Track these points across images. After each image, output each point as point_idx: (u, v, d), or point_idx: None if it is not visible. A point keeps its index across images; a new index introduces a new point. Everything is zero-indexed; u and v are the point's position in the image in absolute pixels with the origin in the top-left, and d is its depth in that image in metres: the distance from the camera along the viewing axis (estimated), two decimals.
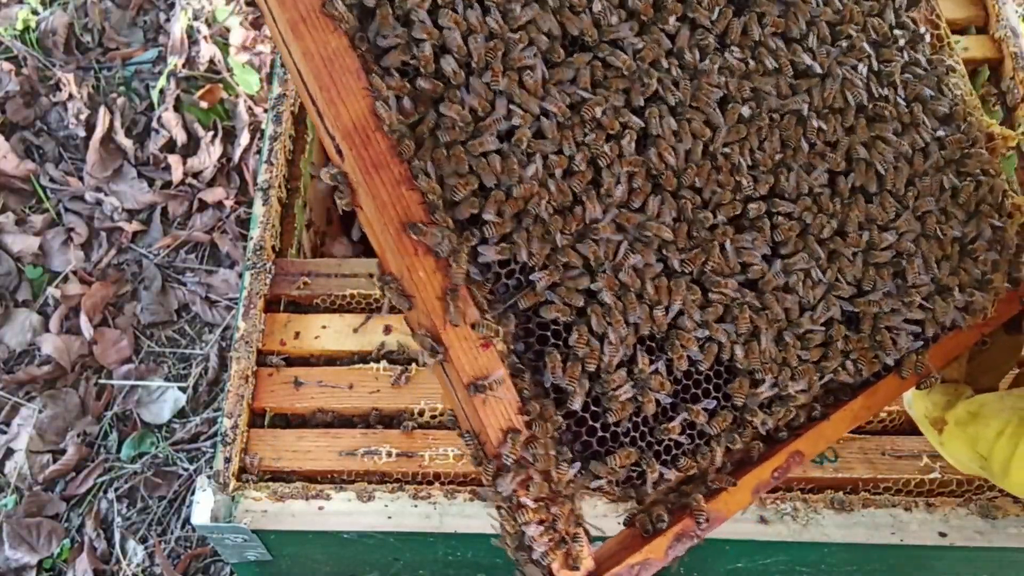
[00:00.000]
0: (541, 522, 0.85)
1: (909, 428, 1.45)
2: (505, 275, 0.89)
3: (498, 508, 0.87)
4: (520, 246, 0.87)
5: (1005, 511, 1.34)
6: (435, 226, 0.83)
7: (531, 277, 0.88)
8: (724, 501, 0.96)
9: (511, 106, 0.88)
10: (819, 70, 1.05)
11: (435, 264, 0.84)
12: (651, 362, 0.92)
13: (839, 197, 1.04)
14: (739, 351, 0.96)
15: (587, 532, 0.89)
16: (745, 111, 1.00)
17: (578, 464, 0.89)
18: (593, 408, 0.91)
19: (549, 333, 0.90)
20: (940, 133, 1.11)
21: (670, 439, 0.93)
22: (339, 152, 0.83)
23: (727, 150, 0.98)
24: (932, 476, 1.39)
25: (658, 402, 0.92)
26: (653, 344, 0.94)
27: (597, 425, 0.91)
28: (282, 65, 1.78)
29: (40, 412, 2.40)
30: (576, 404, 0.89)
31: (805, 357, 0.99)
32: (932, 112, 1.11)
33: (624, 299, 0.91)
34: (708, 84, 0.98)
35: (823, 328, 1.01)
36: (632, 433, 0.92)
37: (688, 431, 0.94)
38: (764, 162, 1.00)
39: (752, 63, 1.01)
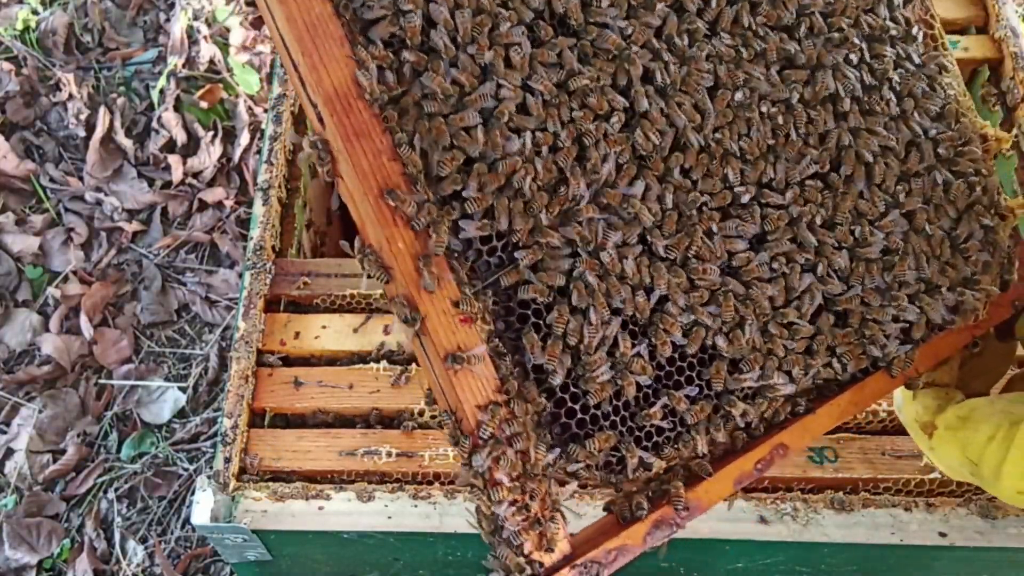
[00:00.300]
0: (514, 502, 0.84)
1: None
2: (487, 252, 0.88)
3: (472, 487, 0.86)
4: (501, 214, 0.86)
5: (1005, 511, 1.34)
6: (414, 194, 0.82)
7: (515, 255, 0.87)
8: (705, 490, 0.95)
9: (499, 82, 0.87)
10: (803, 60, 1.04)
11: (414, 236, 0.83)
12: (633, 346, 0.91)
13: (829, 189, 1.04)
14: (721, 341, 0.95)
15: (563, 516, 0.88)
16: (739, 96, 0.99)
17: (557, 449, 0.88)
18: (573, 389, 0.90)
19: (530, 312, 0.89)
20: (932, 132, 1.11)
21: (651, 425, 0.93)
22: (320, 120, 0.83)
23: (719, 135, 0.98)
24: (932, 476, 1.39)
25: (639, 386, 0.92)
26: (636, 328, 0.93)
27: (577, 407, 0.90)
28: (282, 65, 1.78)
29: (40, 412, 2.40)
30: (557, 380, 0.88)
31: (791, 347, 0.99)
32: (924, 110, 1.11)
33: (607, 281, 0.90)
34: (697, 69, 0.97)
35: (809, 320, 1.00)
36: (612, 417, 0.91)
37: (670, 417, 0.94)
38: (751, 150, 1.00)
39: (743, 51, 1.01)
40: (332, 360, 1.54)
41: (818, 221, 1.02)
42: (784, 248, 1.00)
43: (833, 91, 1.05)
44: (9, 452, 2.36)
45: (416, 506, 1.35)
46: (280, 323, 1.55)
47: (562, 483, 0.90)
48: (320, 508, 1.35)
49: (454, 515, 1.35)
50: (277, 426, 1.48)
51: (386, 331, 1.54)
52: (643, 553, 0.91)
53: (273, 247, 1.62)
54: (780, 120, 1.02)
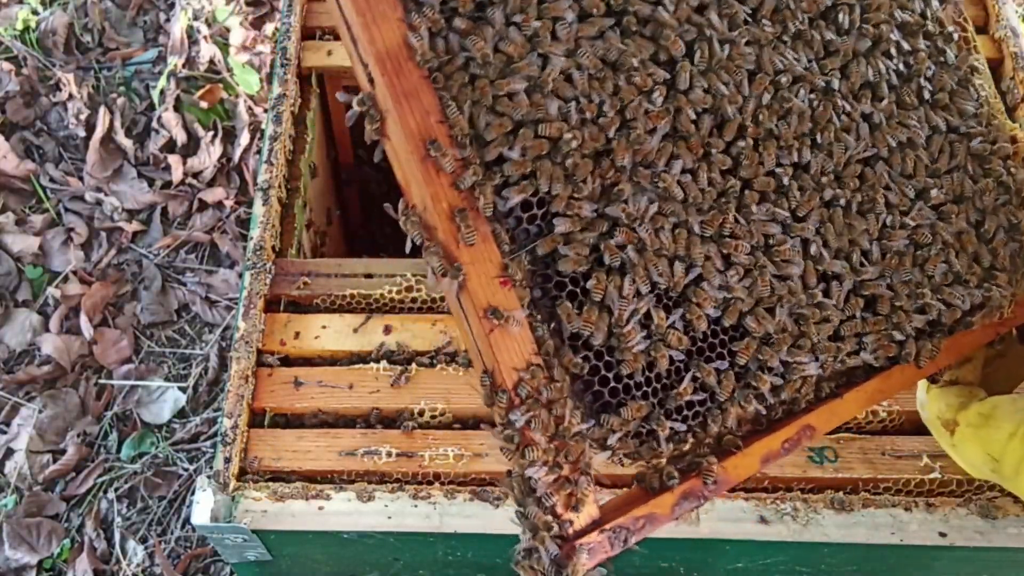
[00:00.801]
0: (547, 463, 0.85)
1: (909, 428, 1.45)
2: (527, 220, 0.89)
3: (503, 449, 0.86)
4: (542, 176, 0.87)
5: (1005, 511, 1.34)
6: (456, 148, 0.83)
7: (553, 221, 0.88)
8: (733, 465, 0.96)
9: (546, 52, 0.89)
10: (840, 49, 1.05)
11: (458, 196, 0.84)
12: (667, 317, 0.92)
13: (861, 178, 1.04)
14: (751, 321, 0.96)
15: (595, 481, 0.88)
16: (780, 80, 1.01)
17: (592, 420, 0.89)
18: (607, 358, 0.91)
19: (567, 280, 0.90)
20: (963, 128, 1.11)
21: (683, 401, 0.94)
22: (371, 80, 0.84)
23: (759, 116, 0.99)
24: (932, 476, 1.39)
25: (671, 359, 0.92)
26: (669, 303, 0.94)
27: (610, 376, 0.91)
28: (282, 65, 1.78)
29: (40, 412, 2.40)
30: (597, 340, 0.89)
31: (821, 331, 0.99)
32: (958, 109, 1.12)
33: (644, 254, 0.91)
34: (739, 54, 0.98)
35: (839, 305, 1.01)
36: (645, 388, 0.92)
37: (700, 392, 0.95)
38: (786, 137, 1.01)
39: (784, 37, 1.02)
40: (332, 360, 1.54)
41: (853, 208, 1.03)
42: (818, 232, 1.00)
43: (868, 79, 1.06)
44: (9, 452, 2.36)
45: (416, 506, 1.35)
46: (280, 323, 1.55)
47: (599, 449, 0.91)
48: (320, 508, 1.35)
49: (454, 515, 1.35)
50: (277, 426, 1.48)
51: (386, 331, 1.54)
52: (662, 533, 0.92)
53: (273, 247, 1.62)
54: (818, 107, 1.03)
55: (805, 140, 1.02)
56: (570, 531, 0.87)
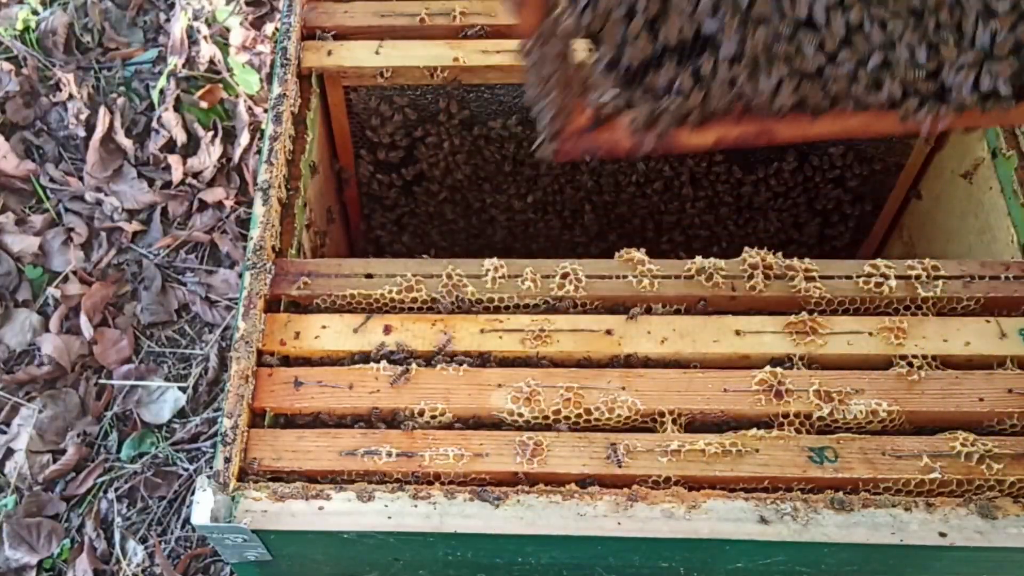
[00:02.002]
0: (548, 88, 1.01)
1: (909, 428, 1.45)
2: None
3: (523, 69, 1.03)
4: None
5: (1005, 511, 1.34)
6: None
7: None
8: (687, 136, 1.03)
9: None
10: None
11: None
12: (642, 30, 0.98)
13: None
14: (728, 46, 0.98)
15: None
16: None
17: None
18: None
19: None
20: None
21: (656, 87, 1.01)
22: None
23: None
24: (932, 476, 1.39)
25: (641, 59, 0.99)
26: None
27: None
28: (282, 65, 1.78)
29: (40, 412, 2.40)
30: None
31: (796, 65, 0.99)
32: None
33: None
34: None
35: (846, 50, 0.99)
36: (622, 75, 1.00)
37: (670, 86, 1.00)
38: None
39: None
40: (332, 360, 1.54)
41: None
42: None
43: None
44: (9, 452, 2.36)
45: (416, 506, 1.35)
46: (280, 323, 1.55)
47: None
48: (320, 508, 1.35)
49: (454, 515, 1.34)
50: (277, 426, 1.48)
51: (386, 331, 1.54)
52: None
53: (273, 247, 1.62)
54: None
55: None
56: (562, 130, 1.04)
